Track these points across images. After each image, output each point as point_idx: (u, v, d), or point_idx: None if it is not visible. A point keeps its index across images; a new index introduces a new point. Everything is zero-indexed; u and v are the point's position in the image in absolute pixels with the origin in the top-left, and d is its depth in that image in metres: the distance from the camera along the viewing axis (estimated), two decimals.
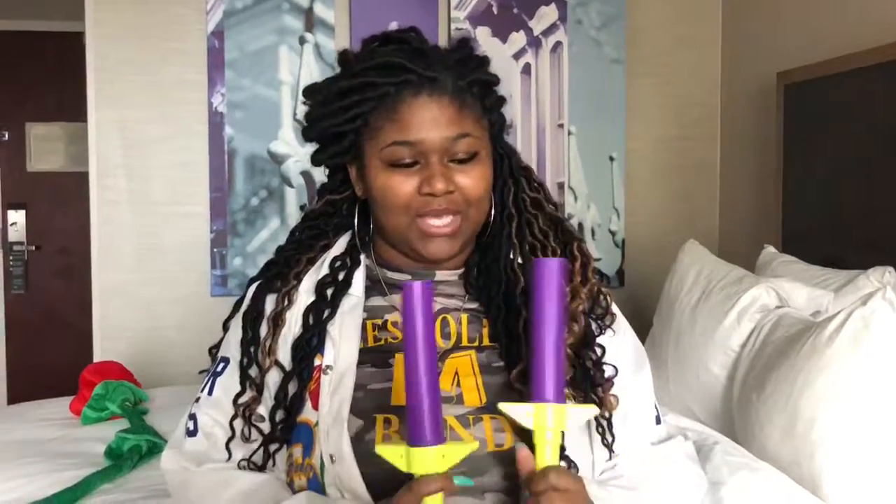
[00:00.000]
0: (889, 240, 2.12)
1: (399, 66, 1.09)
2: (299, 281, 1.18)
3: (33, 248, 4.34)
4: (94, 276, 2.77)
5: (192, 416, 1.19)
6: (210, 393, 1.19)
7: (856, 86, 2.24)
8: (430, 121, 1.09)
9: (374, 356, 1.12)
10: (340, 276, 1.17)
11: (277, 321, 1.15)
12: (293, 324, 1.15)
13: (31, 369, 4.23)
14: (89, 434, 1.97)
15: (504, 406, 0.94)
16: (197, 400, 1.20)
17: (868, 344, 1.47)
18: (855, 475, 1.43)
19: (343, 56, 1.16)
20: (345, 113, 1.12)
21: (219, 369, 1.20)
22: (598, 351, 1.14)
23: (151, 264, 2.78)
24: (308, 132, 1.19)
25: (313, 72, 2.79)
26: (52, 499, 1.52)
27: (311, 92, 1.18)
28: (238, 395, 1.14)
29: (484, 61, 1.18)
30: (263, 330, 1.16)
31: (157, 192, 2.79)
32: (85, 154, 2.82)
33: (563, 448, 1.03)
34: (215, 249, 2.80)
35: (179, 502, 1.18)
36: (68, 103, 4.10)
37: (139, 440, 1.79)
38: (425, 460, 0.89)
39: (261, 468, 1.14)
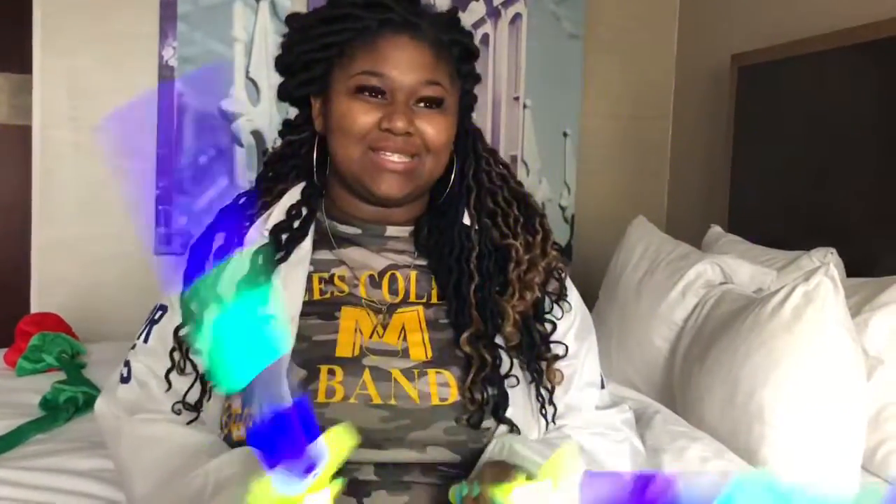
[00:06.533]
0: (833, 224, 2.16)
1: (386, 6, 1.11)
2: (252, 223, 1.16)
3: None
4: (35, 229, 2.69)
5: (127, 363, 1.17)
6: (146, 341, 1.17)
7: (808, 70, 2.27)
8: (405, 60, 1.10)
9: (319, 308, 1.12)
10: (296, 225, 1.16)
11: (223, 257, 1.14)
12: (239, 266, 1.13)
13: None
14: (24, 385, 1.93)
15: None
16: (133, 347, 1.19)
17: (809, 318, 1.49)
18: (792, 446, 1.46)
19: None
20: (322, 39, 1.13)
21: (156, 317, 1.18)
22: (549, 327, 1.15)
23: (94, 219, 2.72)
24: (281, 59, 1.19)
25: (268, 30, 2.74)
26: None
27: (292, 19, 1.19)
28: (179, 327, 1.13)
29: (469, 33, 1.20)
30: (209, 265, 1.14)
31: (103, 145, 2.72)
32: (28, 107, 2.74)
33: (504, 412, 1.05)
34: (160, 207, 2.74)
35: (112, 452, 1.17)
36: (11, 54, 3.97)
37: (75, 392, 1.76)
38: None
39: (195, 407, 1.12)
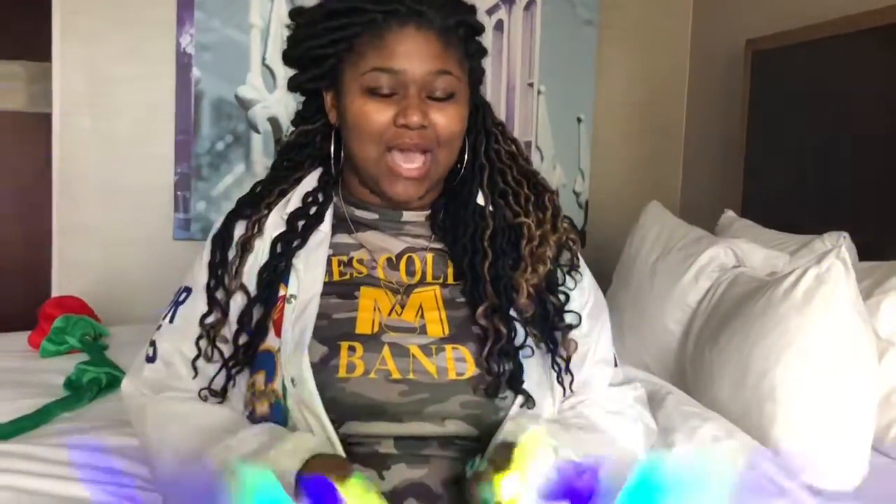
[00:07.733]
0: (846, 208, 2.17)
1: None
2: (270, 210, 1.19)
3: None
4: (55, 214, 2.73)
5: (153, 343, 1.21)
6: (171, 321, 1.20)
7: (822, 55, 2.27)
8: (414, 52, 1.10)
9: (339, 288, 1.14)
10: (312, 211, 1.19)
11: (246, 246, 1.17)
12: (261, 252, 1.16)
13: None
14: (48, 366, 1.96)
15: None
16: (158, 327, 1.21)
17: (820, 300, 1.50)
18: (803, 426, 1.48)
19: None
20: (330, 34, 1.14)
21: (181, 298, 1.21)
22: (562, 298, 1.18)
23: (113, 205, 2.75)
24: (289, 53, 1.21)
25: (284, 17, 2.75)
26: (12, 424, 1.52)
27: (297, 13, 1.20)
28: (205, 316, 1.15)
29: (472, 9, 1.20)
30: (231, 253, 1.17)
31: (122, 132, 2.74)
32: (47, 94, 2.77)
33: (522, 382, 1.08)
34: (179, 192, 2.77)
35: (137, 430, 1.20)
36: (30, 41, 4.00)
37: (99, 372, 1.79)
38: None
39: (220, 393, 1.15)
